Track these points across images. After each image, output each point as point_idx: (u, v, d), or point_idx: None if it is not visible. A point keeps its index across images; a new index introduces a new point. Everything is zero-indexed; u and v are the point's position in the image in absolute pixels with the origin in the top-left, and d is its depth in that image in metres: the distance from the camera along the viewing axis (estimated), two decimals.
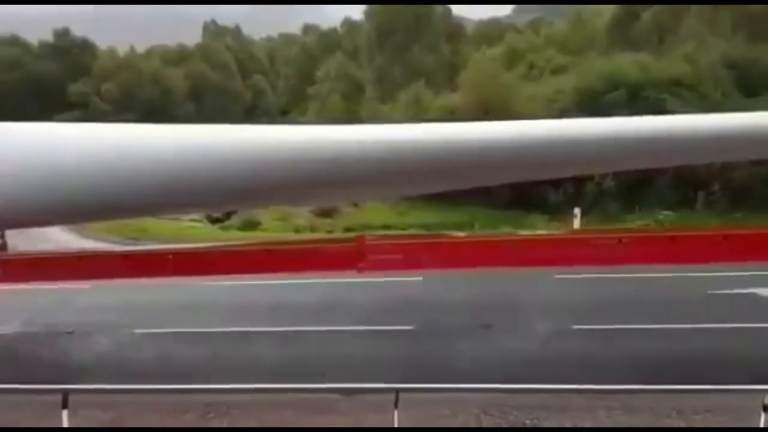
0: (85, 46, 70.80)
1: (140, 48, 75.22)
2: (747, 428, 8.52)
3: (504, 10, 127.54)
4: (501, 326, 12.98)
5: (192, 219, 30.84)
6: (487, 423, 9.08)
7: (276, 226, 30.69)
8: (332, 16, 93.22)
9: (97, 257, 11.80)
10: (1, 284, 11.30)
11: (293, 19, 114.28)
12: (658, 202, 29.11)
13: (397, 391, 8.27)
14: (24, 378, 10.99)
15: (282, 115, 69.68)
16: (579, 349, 11.70)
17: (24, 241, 14.39)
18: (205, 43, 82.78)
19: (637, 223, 26.72)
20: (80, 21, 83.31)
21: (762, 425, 7.90)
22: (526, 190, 29.89)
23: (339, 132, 9.81)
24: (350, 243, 10.79)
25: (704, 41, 37.59)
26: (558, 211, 28.95)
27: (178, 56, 75.34)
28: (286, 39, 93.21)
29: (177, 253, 10.92)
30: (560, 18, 62.13)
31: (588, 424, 8.92)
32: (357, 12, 71.07)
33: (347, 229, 27.08)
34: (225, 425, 9.41)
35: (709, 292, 14.35)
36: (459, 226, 23.28)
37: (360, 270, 10.18)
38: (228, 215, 30.95)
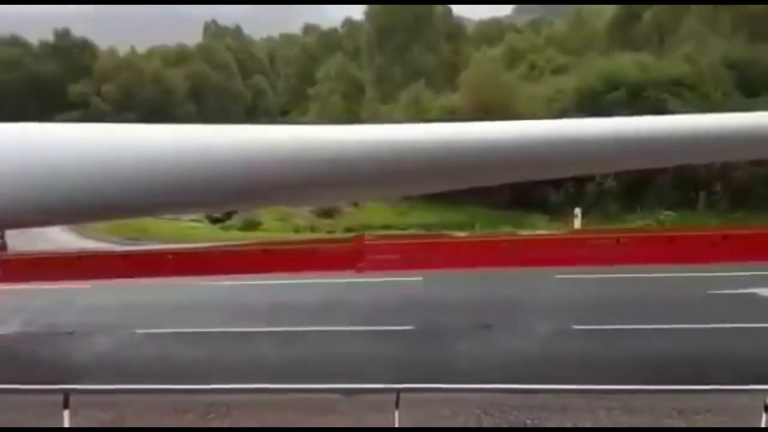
0: (86, 47, 70.86)
1: (141, 48, 75.31)
2: (748, 428, 8.51)
3: (504, 10, 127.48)
4: (501, 326, 12.97)
5: (192, 219, 30.84)
6: (487, 423, 9.07)
7: (276, 226, 30.69)
8: (333, 17, 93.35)
9: (96, 257, 11.80)
10: (0, 284, 11.30)
11: (294, 19, 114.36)
12: (659, 203, 29.09)
13: (398, 391, 8.26)
14: (25, 378, 10.98)
15: (282, 115, 69.71)
16: (579, 349, 11.69)
17: (24, 241, 14.39)
18: (205, 43, 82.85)
19: (638, 223, 26.68)
20: (80, 21, 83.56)
21: (763, 425, 7.88)
22: (527, 190, 29.89)
23: (339, 132, 9.82)
24: (349, 243, 10.79)
25: (704, 41, 37.57)
26: (559, 212, 28.94)
27: (179, 56, 75.41)
28: (287, 39, 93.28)
29: (176, 253, 10.93)
30: (560, 18, 62.12)
31: (588, 424, 8.91)
32: (357, 12, 71.13)
33: (347, 229, 27.07)
34: (226, 425, 9.40)
35: (709, 292, 14.34)
36: (459, 226, 23.27)
37: (359, 270, 10.18)
38: (228, 215, 30.95)
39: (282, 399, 10.14)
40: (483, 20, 74.08)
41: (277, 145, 9.04)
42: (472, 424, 9.05)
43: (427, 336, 12.61)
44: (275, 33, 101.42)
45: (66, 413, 8.20)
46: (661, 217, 27.42)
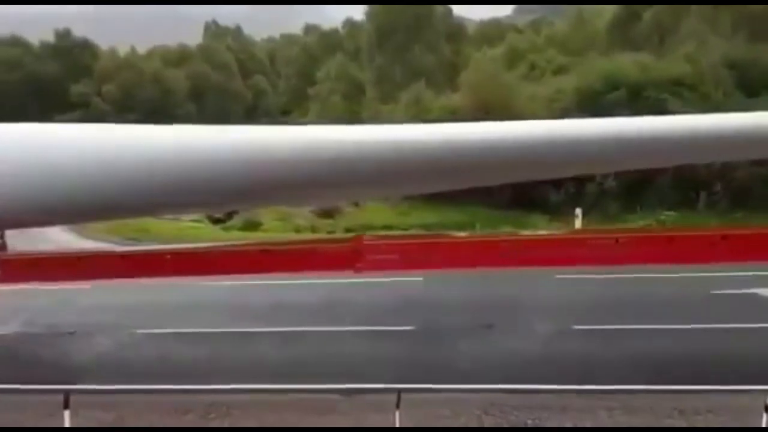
0: (86, 47, 70.97)
1: (141, 48, 75.41)
2: (748, 428, 8.51)
3: (505, 11, 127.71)
4: (502, 326, 12.96)
5: (193, 219, 30.87)
6: (488, 423, 9.07)
7: (277, 226, 30.70)
8: (333, 17, 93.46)
9: (96, 257, 11.78)
10: (0, 284, 11.30)
11: (294, 20, 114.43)
12: (660, 203, 29.10)
13: (399, 391, 8.26)
14: (25, 378, 10.99)
15: (283, 115, 69.73)
16: (580, 349, 11.69)
17: (24, 241, 14.39)
18: (206, 43, 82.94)
19: (639, 223, 26.69)
20: (81, 21, 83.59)
21: (764, 425, 7.88)
22: (527, 190, 29.91)
23: (339, 132, 9.83)
24: (348, 243, 10.78)
25: (705, 41, 37.58)
26: (559, 212, 28.95)
27: (179, 57, 75.50)
28: (287, 39, 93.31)
29: (175, 254, 10.91)
30: (561, 18, 62.12)
31: (588, 424, 8.90)
32: (358, 12, 71.25)
33: (348, 230, 27.07)
34: (226, 425, 9.40)
35: (710, 292, 14.34)
36: (460, 226, 23.28)
37: (357, 270, 10.16)
38: (229, 215, 30.97)
39: (282, 399, 10.14)
40: (483, 20, 74.12)
41: (277, 145, 9.04)
42: (473, 424, 9.05)
43: (428, 336, 12.61)
44: (276, 33, 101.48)
45: (66, 413, 8.19)
46: (662, 217, 27.41)
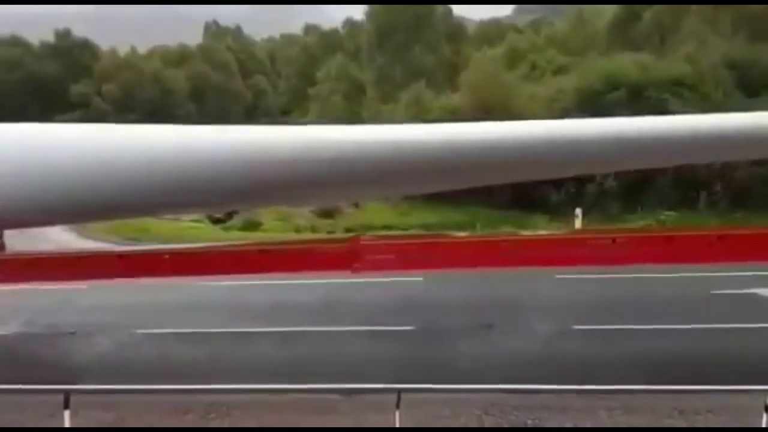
0: (86, 47, 70.96)
1: (141, 48, 75.40)
2: (748, 428, 8.51)
3: (505, 11, 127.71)
4: (502, 326, 12.97)
5: (193, 219, 30.87)
6: (488, 423, 9.07)
7: (277, 226, 30.71)
8: (333, 17, 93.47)
9: (94, 257, 11.76)
10: None
11: (294, 20, 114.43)
12: (660, 203, 29.10)
13: (399, 391, 8.26)
14: (25, 378, 10.99)
15: (283, 115, 69.73)
16: (580, 349, 11.69)
17: (23, 241, 14.39)
18: (206, 43, 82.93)
19: (639, 223, 26.70)
20: (81, 21, 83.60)
21: (764, 425, 7.88)
22: (528, 190, 29.92)
23: (339, 132, 9.82)
24: (345, 243, 10.76)
25: (705, 41, 37.58)
26: (559, 212, 28.95)
27: (179, 57, 75.49)
28: (287, 39, 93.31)
29: (173, 254, 10.88)
30: (561, 18, 62.12)
31: (589, 424, 8.91)
32: (358, 12, 71.24)
33: (348, 230, 27.08)
34: (226, 425, 9.40)
35: (710, 292, 14.34)
36: (460, 226, 23.30)
37: (355, 270, 10.14)
38: (229, 215, 30.98)
39: (282, 399, 10.14)
40: (483, 20, 74.11)
41: (277, 145, 9.04)
42: (473, 424, 9.05)
43: (428, 336, 12.61)
44: (276, 33, 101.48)
45: (66, 413, 8.19)
46: (662, 217, 27.42)
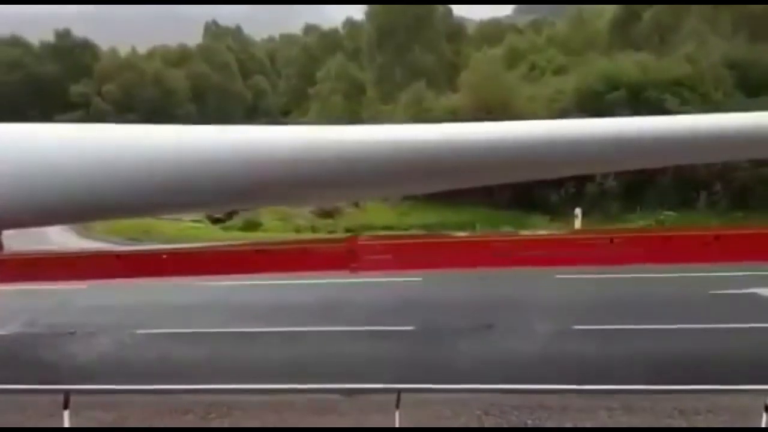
0: (87, 47, 71.03)
1: (142, 49, 75.48)
2: (748, 428, 8.51)
3: (505, 11, 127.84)
4: (502, 327, 12.96)
5: (193, 219, 30.90)
6: (488, 423, 9.06)
7: (277, 226, 30.73)
8: (333, 17, 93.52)
9: (92, 257, 11.76)
10: None
11: (294, 20, 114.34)
12: (660, 203, 29.12)
13: (399, 391, 8.26)
14: (25, 378, 10.99)
15: (283, 115, 69.79)
16: (580, 349, 11.68)
17: (23, 241, 14.37)
18: (206, 43, 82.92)
19: (639, 223, 26.70)
20: (81, 21, 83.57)
21: (763, 425, 7.87)
22: (527, 190, 29.97)
23: (339, 132, 9.83)
24: (343, 243, 10.76)
25: (705, 41, 37.61)
26: (559, 212, 28.97)
27: (180, 57, 75.57)
28: (287, 39, 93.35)
29: (171, 254, 10.88)
30: (561, 18, 62.14)
31: (589, 424, 8.90)
32: (358, 12, 71.27)
33: (348, 230, 27.08)
34: (226, 425, 9.40)
35: (710, 292, 14.34)
36: (460, 226, 23.34)
37: (352, 270, 10.13)
38: (229, 216, 31.01)
39: (282, 399, 10.13)
40: (483, 20, 74.13)
41: (277, 146, 9.05)
42: (473, 424, 9.05)
43: (428, 336, 12.61)
44: (276, 33, 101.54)
45: (66, 413, 8.19)
46: (662, 217, 27.43)
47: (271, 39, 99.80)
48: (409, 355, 11.88)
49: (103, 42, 72.58)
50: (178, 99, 68.35)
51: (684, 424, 8.85)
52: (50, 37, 70.74)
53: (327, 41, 76.28)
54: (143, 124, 10.21)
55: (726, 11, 40.58)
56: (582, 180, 29.05)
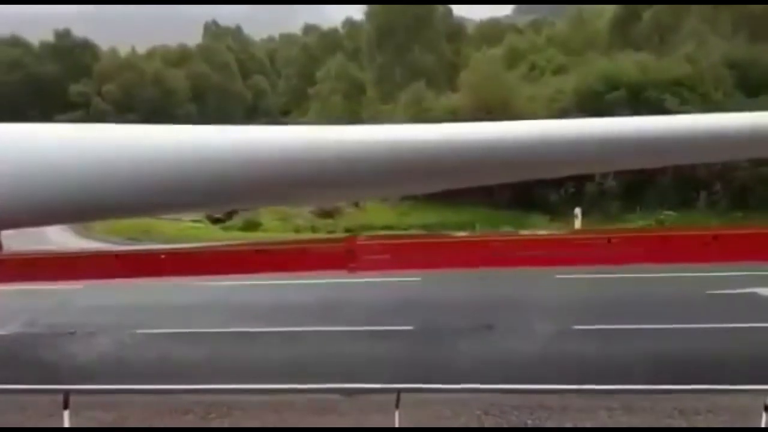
0: (86, 47, 71.05)
1: (141, 48, 75.51)
2: (748, 428, 8.51)
3: (505, 11, 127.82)
4: (502, 327, 12.96)
5: (193, 219, 30.89)
6: (488, 423, 9.06)
7: (277, 226, 30.73)
8: (333, 17, 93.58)
9: (91, 257, 11.75)
10: None
11: (294, 20, 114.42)
12: (660, 203, 29.11)
13: (399, 391, 8.25)
14: (25, 378, 10.99)
15: (283, 115, 69.80)
16: (580, 349, 11.68)
17: (22, 241, 14.37)
18: (206, 43, 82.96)
19: (639, 223, 26.70)
20: (81, 21, 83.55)
21: (763, 425, 7.87)
22: (527, 190, 29.93)
23: (339, 132, 9.81)
24: (341, 243, 10.75)
25: (705, 41, 37.59)
26: (559, 212, 28.95)
27: (179, 57, 75.58)
28: (287, 39, 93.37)
29: (170, 254, 10.87)
30: (561, 18, 62.13)
31: (589, 424, 8.90)
32: (358, 12, 71.18)
33: (348, 230, 27.08)
34: (226, 425, 9.40)
35: (709, 291, 14.34)
36: (460, 226, 23.31)
37: (351, 270, 10.12)
38: (229, 215, 31.00)
39: (282, 399, 10.14)
40: (483, 20, 74.11)
41: (277, 145, 9.03)
42: (473, 424, 9.05)
43: (428, 336, 12.61)
44: (275, 33, 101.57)
45: (66, 413, 8.19)
46: (662, 217, 27.42)
47: (270, 39, 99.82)
48: (409, 355, 11.88)
49: (103, 42, 72.64)
50: (178, 99, 68.36)
51: (684, 424, 8.85)
52: (50, 37, 70.75)
53: (327, 41, 76.28)
54: (143, 124, 10.19)
55: (726, 11, 40.57)
56: (582, 180, 29.03)
